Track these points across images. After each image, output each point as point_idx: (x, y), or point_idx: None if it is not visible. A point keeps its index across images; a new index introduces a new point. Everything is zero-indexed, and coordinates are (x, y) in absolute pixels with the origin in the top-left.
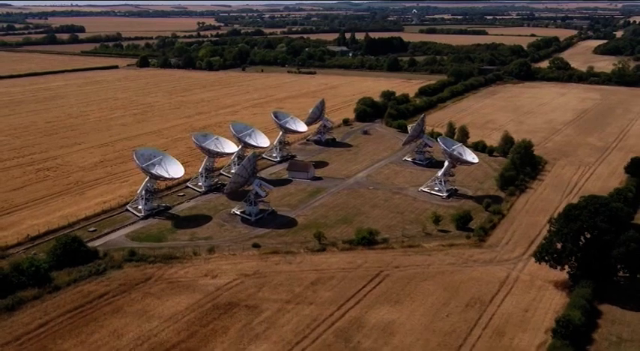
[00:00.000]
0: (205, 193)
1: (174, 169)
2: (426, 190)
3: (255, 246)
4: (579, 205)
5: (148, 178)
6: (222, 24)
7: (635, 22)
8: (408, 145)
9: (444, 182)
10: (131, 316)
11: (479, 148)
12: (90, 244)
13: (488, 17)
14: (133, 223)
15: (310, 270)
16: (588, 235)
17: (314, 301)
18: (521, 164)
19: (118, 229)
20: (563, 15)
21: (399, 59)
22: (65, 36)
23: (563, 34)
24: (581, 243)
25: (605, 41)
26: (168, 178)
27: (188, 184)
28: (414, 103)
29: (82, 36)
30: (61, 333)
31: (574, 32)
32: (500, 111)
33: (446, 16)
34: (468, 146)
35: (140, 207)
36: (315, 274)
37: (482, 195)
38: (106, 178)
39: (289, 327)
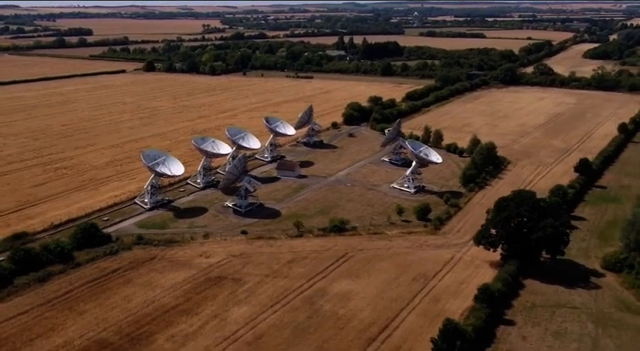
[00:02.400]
0: (203, 188)
1: (176, 168)
2: (396, 186)
3: (244, 233)
4: (508, 197)
5: (153, 175)
6: (226, 26)
7: (632, 24)
8: (385, 146)
9: (412, 180)
10: (139, 286)
11: (451, 149)
12: (104, 230)
13: (489, 19)
14: (140, 214)
15: (288, 252)
16: (514, 223)
17: (288, 275)
18: (483, 164)
19: (128, 218)
20: (564, 16)
21: (393, 64)
22: (74, 39)
23: (560, 37)
24: (509, 229)
25: (597, 45)
26: (170, 176)
27: (188, 180)
28: (399, 107)
29: (89, 39)
30: (83, 298)
31: (571, 35)
32: (478, 115)
33: (448, 18)
34: (441, 148)
35: (146, 200)
36: (291, 255)
37: (446, 191)
38: (117, 176)
39: (266, 295)
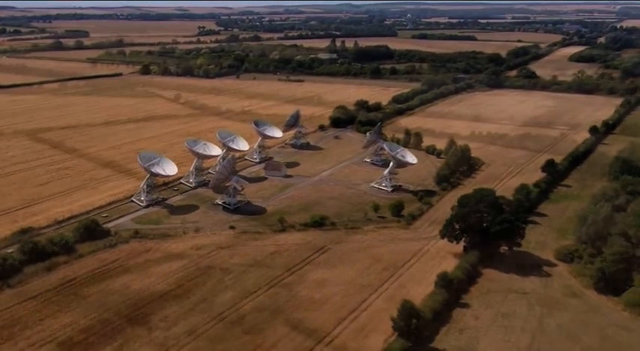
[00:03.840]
0: (195, 187)
1: (170, 169)
2: (375, 185)
3: (232, 227)
4: (469, 195)
5: (148, 175)
6: (222, 28)
7: (622, 27)
8: (367, 148)
9: (389, 179)
10: (136, 274)
11: (430, 151)
12: (104, 226)
13: (482, 21)
14: (136, 211)
15: (271, 245)
16: (475, 218)
17: (270, 265)
18: (457, 164)
19: (125, 215)
20: (557, 18)
21: (382, 68)
22: (71, 41)
23: (550, 39)
24: (469, 223)
25: (584, 48)
26: (165, 176)
27: (181, 180)
28: (385, 110)
29: (86, 41)
30: (86, 284)
31: (560, 38)
32: (459, 118)
33: (441, 20)
34: (421, 149)
35: (142, 198)
36: (274, 248)
37: (421, 190)
38: (115, 176)
39: (250, 282)
